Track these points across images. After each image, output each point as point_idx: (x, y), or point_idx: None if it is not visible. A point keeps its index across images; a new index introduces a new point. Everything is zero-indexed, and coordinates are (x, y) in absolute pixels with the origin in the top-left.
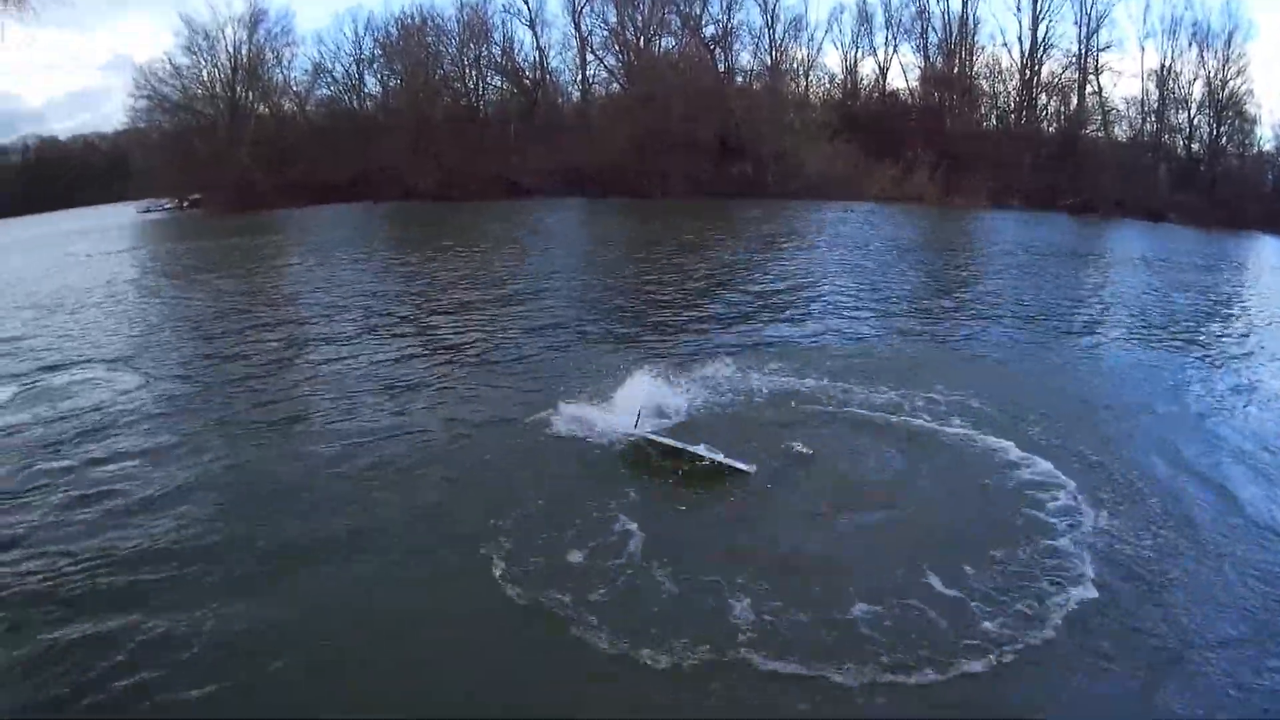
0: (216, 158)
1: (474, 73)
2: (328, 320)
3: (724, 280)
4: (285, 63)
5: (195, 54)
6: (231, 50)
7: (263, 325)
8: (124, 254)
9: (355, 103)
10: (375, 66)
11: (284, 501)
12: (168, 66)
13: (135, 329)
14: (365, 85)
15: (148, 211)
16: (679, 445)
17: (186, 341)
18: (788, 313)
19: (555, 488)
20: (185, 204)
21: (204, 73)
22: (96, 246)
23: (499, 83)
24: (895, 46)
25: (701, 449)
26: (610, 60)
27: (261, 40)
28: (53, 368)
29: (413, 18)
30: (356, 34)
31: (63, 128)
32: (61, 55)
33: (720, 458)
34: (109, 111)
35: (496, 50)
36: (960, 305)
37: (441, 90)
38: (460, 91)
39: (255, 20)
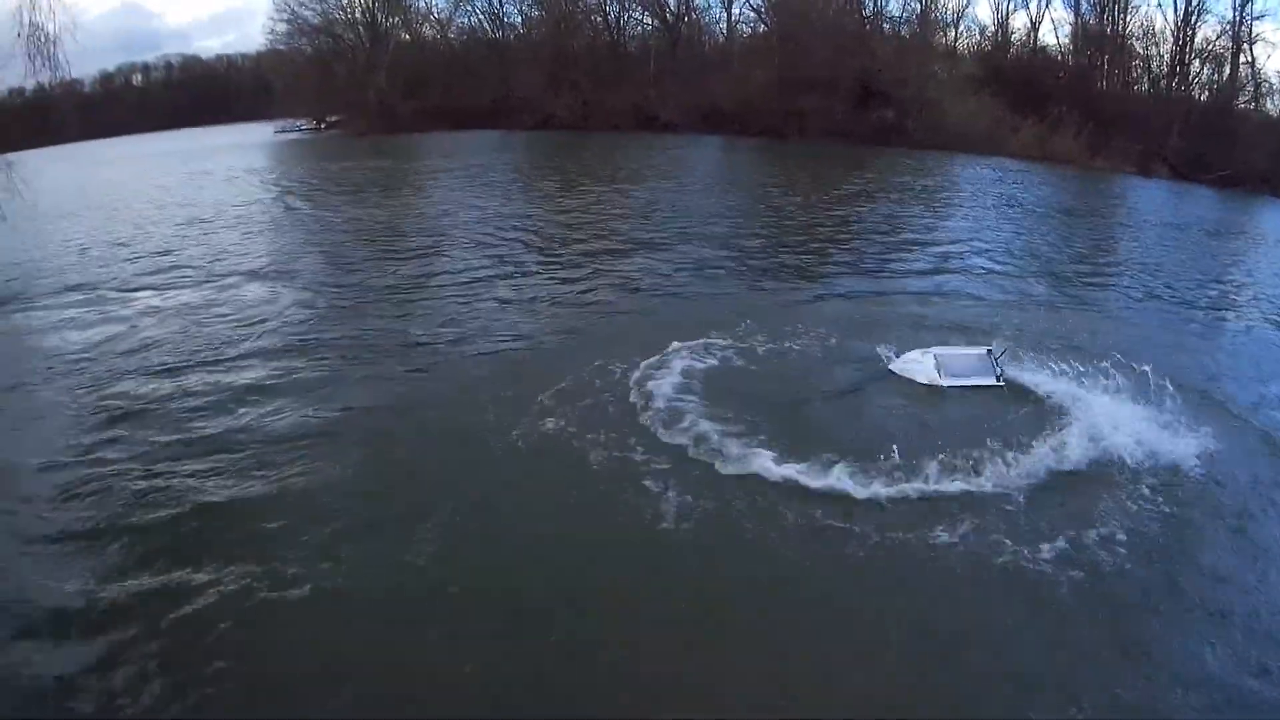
0: (356, 81)
1: (616, 5)
2: (462, 247)
3: (874, 229)
4: None
5: None
6: None
7: (397, 252)
8: (261, 173)
9: (496, 32)
10: None
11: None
12: None
13: (274, 248)
14: (506, 14)
15: (284, 131)
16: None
17: (323, 263)
18: (925, 265)
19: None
20: (323, 125)
21: None
22: (238, 163)
23: (641, 16)
24: (1048, 1)
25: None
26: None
27: None
28: (192, 281)
29: None
30: None
31: (204, 47)
32: None
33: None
34: (251, 32)
35: None
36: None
37: (582, 22)
38: (601, 25)
39: None
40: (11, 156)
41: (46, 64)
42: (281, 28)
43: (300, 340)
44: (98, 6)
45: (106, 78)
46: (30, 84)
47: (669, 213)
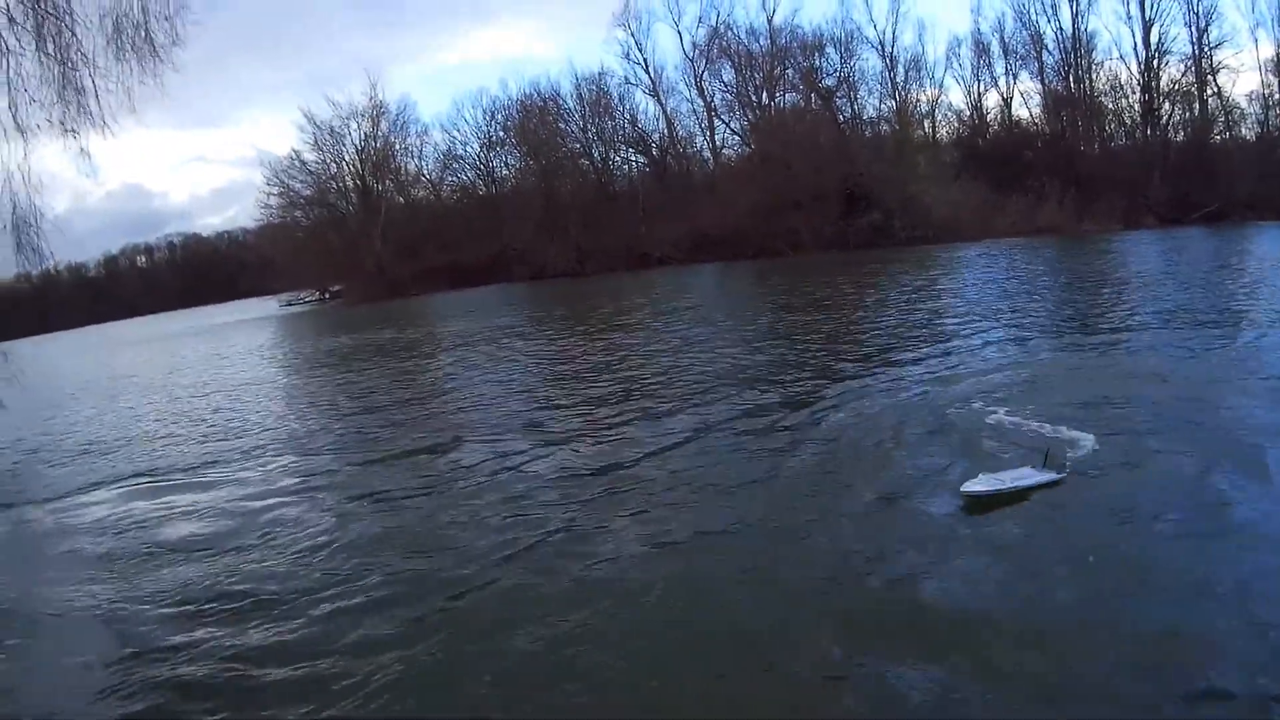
0: (352, 248)
1: (600, 147)
2: (483, 410)
3: (873, 326)
4: (415, 153)
5: (322, 149)
6: (359, 144)
7: (408, 422)
8: (269, 348)
9: (486, 186)
10: (503, 149)
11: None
12: (297, 163)
13: (284, 430)
14: (494, 168)
15: (289, 305)
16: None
17: (340, 436)
18: (925, 349)
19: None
20: (327, 295)
21: (333, 167)
22: (245, 341)
23: (628, 154)
24: (1015, 75)
25: (1027, 477)
26: (735, 123)
27: (387, 132)
28: (183, 470)
29: (532, 98)
30: (479, 119)
31: (206, 224)
32: (203, 152)
33: (1040, 478)
34: (250, 207)
35: (622, 122)
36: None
37: (569, 167)
38: (587, 168)
39: (378, 114)
40: (6, 345)
41: (33, 254)
42: (275, 200)
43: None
44: (100, 189)
45: (110, 260)
46: (33, 271)
47: (683, 351)
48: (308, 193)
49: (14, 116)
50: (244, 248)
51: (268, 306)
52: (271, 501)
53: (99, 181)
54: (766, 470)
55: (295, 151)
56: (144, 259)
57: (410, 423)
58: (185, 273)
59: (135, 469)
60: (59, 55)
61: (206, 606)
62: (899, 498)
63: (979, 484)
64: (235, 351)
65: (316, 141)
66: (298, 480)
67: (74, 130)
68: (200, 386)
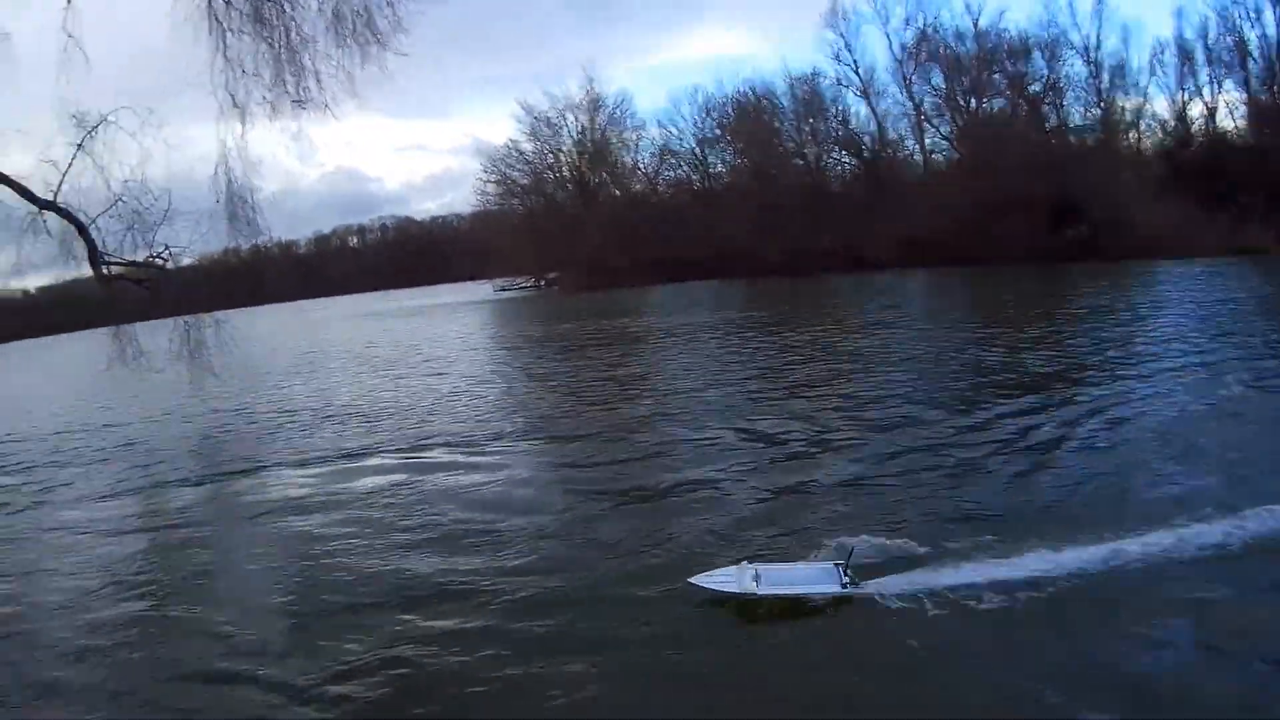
0: (569, 238)
1: (813, 147)
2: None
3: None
4: (631, 147)
5: (539, 140)
6: (575, 136)
7: (623, 407)
8: (488, 331)
9: (701, 182)
10: (718, 146)
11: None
12: (514, 152)
13: (506, 411)
14: (709, 164)
15: (504, 290)
16: None
17: (564, 421)
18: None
19: None
20: (542, 283)
21: (549, 157)
22: (467, 322)
23: (840, 155)
24: (1219, 83)
25: None
26: (944, 127)
27: (604, 125)
28: (401, 449)
29: (746, 96)
30: (695, 115)
31: (421, 209)
32: (421, 141)
33: None
34: (466, 193)
35: (834, 123)
36: None
37: (783, 166)
38: (801, 167)
39: (595, 107)
40: (228, 313)
41: (247, 227)
42: (492, 189)
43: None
44: (316, 170)
45: (321, 238)
46: (244, 245)
47: (908, 362)
48: (525, 181)
49: (231, 96)
50: (457, 232)
51: (482, 291)
52: (481, 481)
53: (316, 163)
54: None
55: (513, 141)
56: (355, 239)
57: (623, 412)
58: (396, 254)
59: (361, 444)
60: (278, 37)
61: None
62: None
63: None
64: (454, 332)
65: (534, 132)
66: (514, 462)
67: (297, 108)
68: (421, 365)
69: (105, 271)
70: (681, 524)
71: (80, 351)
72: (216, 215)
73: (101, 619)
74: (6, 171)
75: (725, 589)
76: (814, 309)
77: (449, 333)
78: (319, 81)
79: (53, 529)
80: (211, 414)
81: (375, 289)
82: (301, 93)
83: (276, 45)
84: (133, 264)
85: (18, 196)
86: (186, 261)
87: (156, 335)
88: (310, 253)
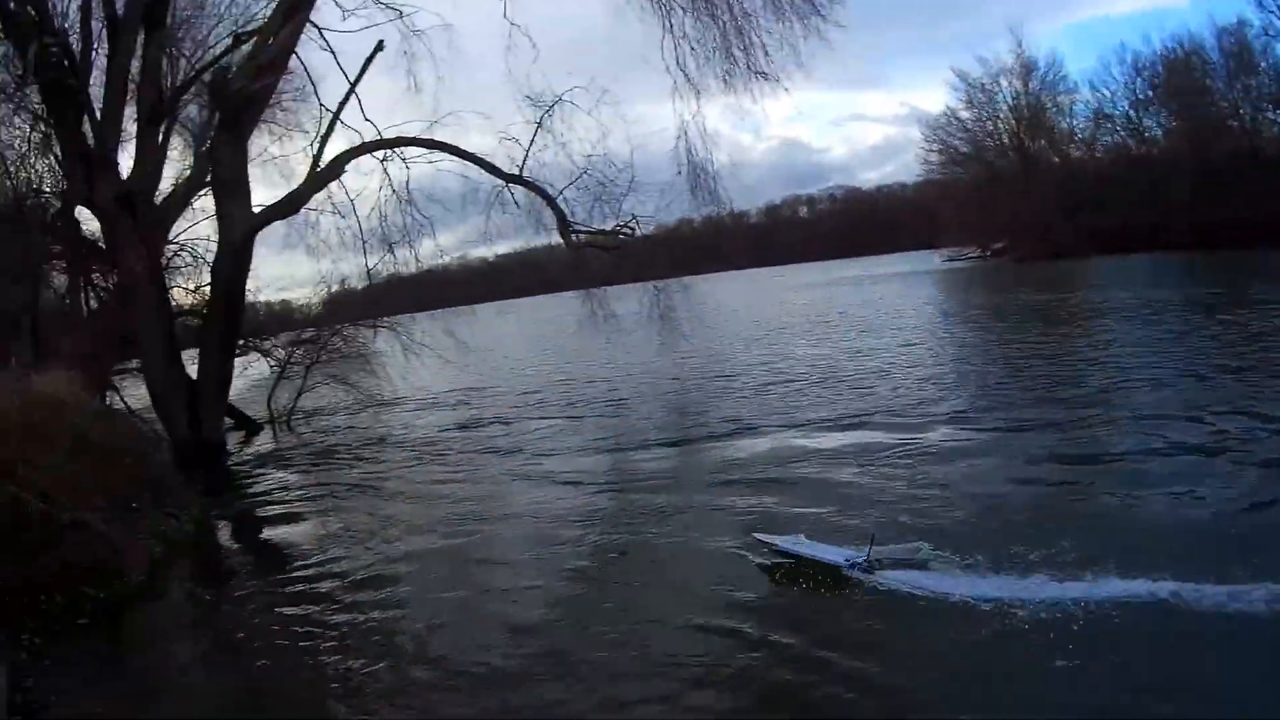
0: (1012, 207)
1: (1247, 106)
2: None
3: None
4: (1065, 111)
5: (975, 107)
6: (1010, 101)
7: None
8: (944, 302)
9: (1138, 146)
10: (1152, 108)
11: None
12: (953, 120)
13: (955, 389)
14: (1144, 127)
15: (950, 260)
16: None
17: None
18: None
19: None
20: (988, 253)
21: (988, 124)
22: (920, 292)
23: (1276, 113)
24: None
25: None
26: None
27: (1037, 89)
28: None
29: (1175, 52)
30: (1125, 75)
31: (865, 179)
32: (860, 110)
33: None
34: (908, 162)
35: (1265, 78)
36: None
37: (1219, 127)
38: (1237, 129)
39: (1026, 71)
40: (687, 279)
41: (709, 197)
42: (934, 157)
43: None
44: (762, 144)
45: (772, 209)
46: (705, 215)
47: None
48: (965, 150)
49: (684, 72)
50: (902, 202)
51: (929, 261)
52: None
53: (763, 135)
54: None
55: (950, 109)
56: (805, 209)
57: (1084, 398)
58: (843, 224)
59: (825, 413)
60: (721, 13)
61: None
62: None
63: None
64: (902, 303)
65: (970, 99)
66: (962, 436)
67: (749, 81)
68: (874, 334)
69: (575, 239)
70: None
71: (548, 314)
72: (676, 186)
73: (565, 570)
74: (474, 150)
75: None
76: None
77: (897, 303)
78: (766, 54)
79: (534, 477)
80: (685, 376)
81: (823, 258)
82: (751, 66)
83: (720, 21)
84: (600, 232)
85: (484, 172)
86: (642, 231)
87: (624, 299)
88: (761, 223)
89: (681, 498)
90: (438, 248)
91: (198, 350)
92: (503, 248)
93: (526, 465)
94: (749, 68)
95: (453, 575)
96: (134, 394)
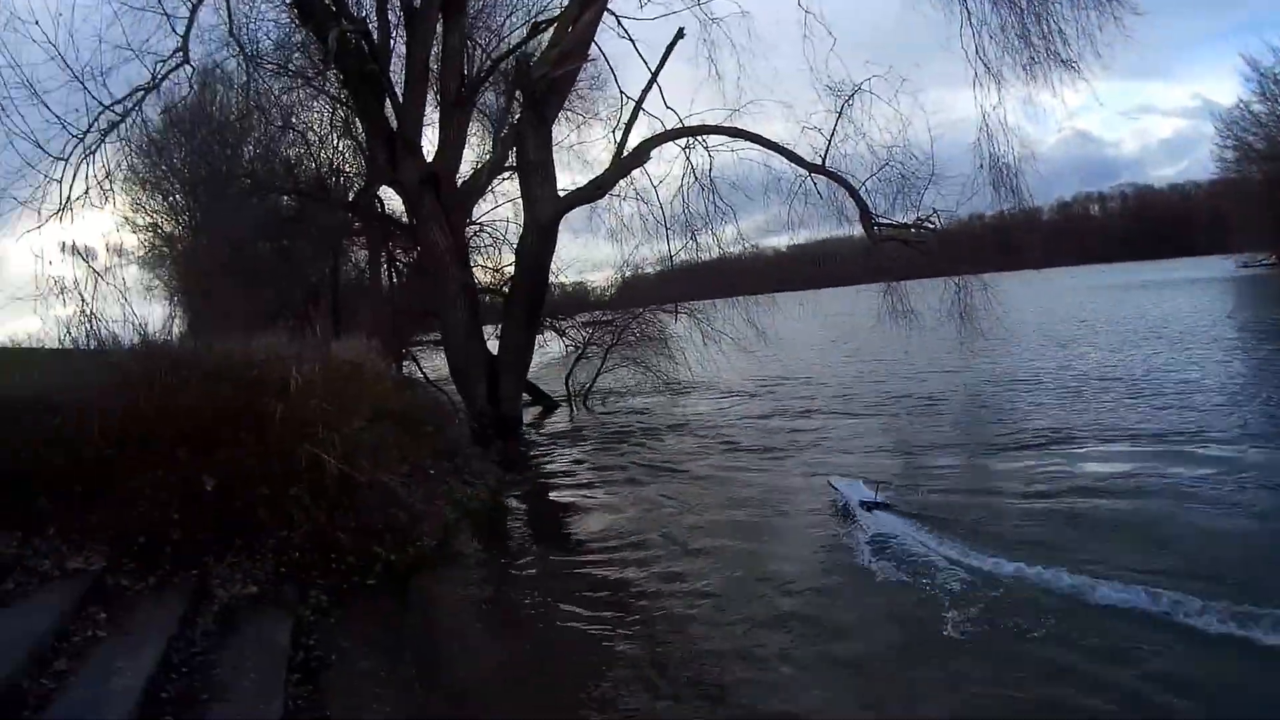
0: None
1: None
2: None
3: None
4: None
5: (1270, 100)
6: None
7: None
8: (1246, 312)
9: None
10: None
11: None
12: (1246, 114)
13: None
14: None
15: (1245, 266)
16: None
17: None
18: None
19: None
20: None
21: None
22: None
23: None
24: None
25: None
26: None
27: None
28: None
29: None
30: None
31: (1159, 175)
32: (1149, 101)
33: None
34: (1201, 158)
35: None
36: None
37: None
38: None
39: None
40: (987, 276)
41: (1010, 194)
42: (1229, 154)
43: None
44: (1052, 137)
45: (1064, 206)
46: (989, 211)
47: None
48: (1260, 146)
49: (983, 61)
50: (1195, 203)
51: (1222, 267)
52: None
53: (1053, 128)
54: None
55: (1243, 102)
56: (1096, 207)
57: None
58: (1134, 224)
59: (1125, 427)
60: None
61: None
62: None
63: None
64: (1204, 313)
65: (1263, 90)
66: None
67: (1049, 71)
68: (1165, 345)
69: (876, 232)
70: None
71: (844, 306)
72: (975, 180)
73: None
74: (774, 139)
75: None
76: None
77: (1192, 311)
78: (1065, 42)
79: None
80: (984, 378)
81: (1113, 260)
82: (1051, 54)
83: (1020, 7)
84: (902, 226)
85: (785, 161)
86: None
87: (924, 295)
88: (1052, 220)
89: (974, 515)
90: (739, 235)
91: (498, 327)
92: (788, 239)
93: (825, 461)
94: (1049, 56)
95: (746, 568)
96: (430, 365)
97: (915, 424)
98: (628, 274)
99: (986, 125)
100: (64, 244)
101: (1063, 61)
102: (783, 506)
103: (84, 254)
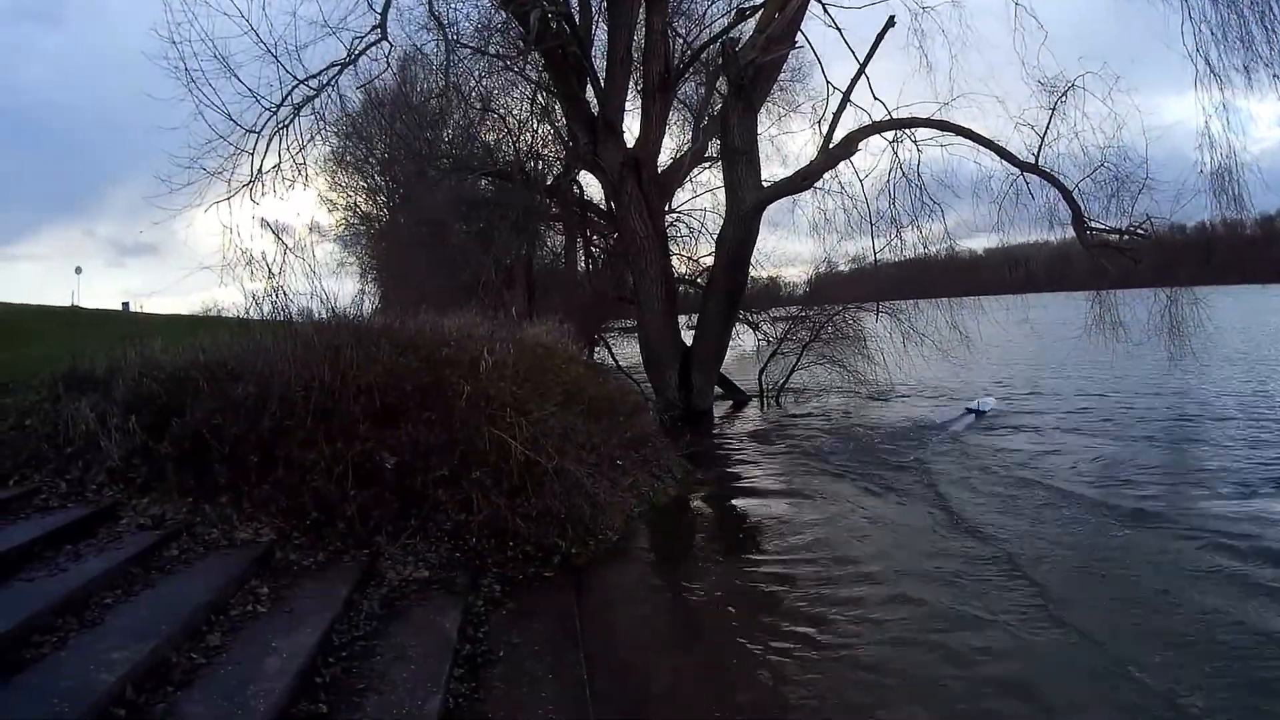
0: None
1: None
2: None
3: None
4: None
5: None
6: None
7: None
8: None
9: None
10: None
11: None
12: None
13: None
14: None
15: None
16: None
17: None
18: None
19: None
20: None
21: None
22: None
23: None
24: None
25: None
26: None
27: None
28: None
29: None
30: None
31: None
32: None
33: None
34: None
35: None
36: None
37: None
38: None
39: None
40: (1199, 290)
41: (1232, 202)
42: None
43: None
44: (1258, 146)
45: (1267, 220)
46: (1192, 222)
47: None
48: None
49: (1206, 60)
50: None
51: None
52: None
53: (1255, 135)
54: None
55: None
56: None
57: None
58: None
59: None
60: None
61: None
62: None
63: None
64: None
65: None
66: None
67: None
68: None
69: (1089, 237)
70: None
71: (1052, 315)
72: (1193, 186)
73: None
74: (985, 134)
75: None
76: None
77: None
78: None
79: (1029, 489)
80: (1188, 401)
81: None
82: (1275, 56)
83: (1241, 4)
84: (1114, 231)
85: (996, 159)
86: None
87: (1132, 306)
88: (1256, 234)
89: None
90: (946, 233)
91: (692, 317)
92: (990, 240)
93: (1028, 476)
94: (1272, 57)
95: (934, 585)
96: (622, 353)
97: (1116, 448)
98: (822, 270)
99: (1208, 127)
100: (255, 217)
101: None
102: (978, 529)
103: (274, 228)
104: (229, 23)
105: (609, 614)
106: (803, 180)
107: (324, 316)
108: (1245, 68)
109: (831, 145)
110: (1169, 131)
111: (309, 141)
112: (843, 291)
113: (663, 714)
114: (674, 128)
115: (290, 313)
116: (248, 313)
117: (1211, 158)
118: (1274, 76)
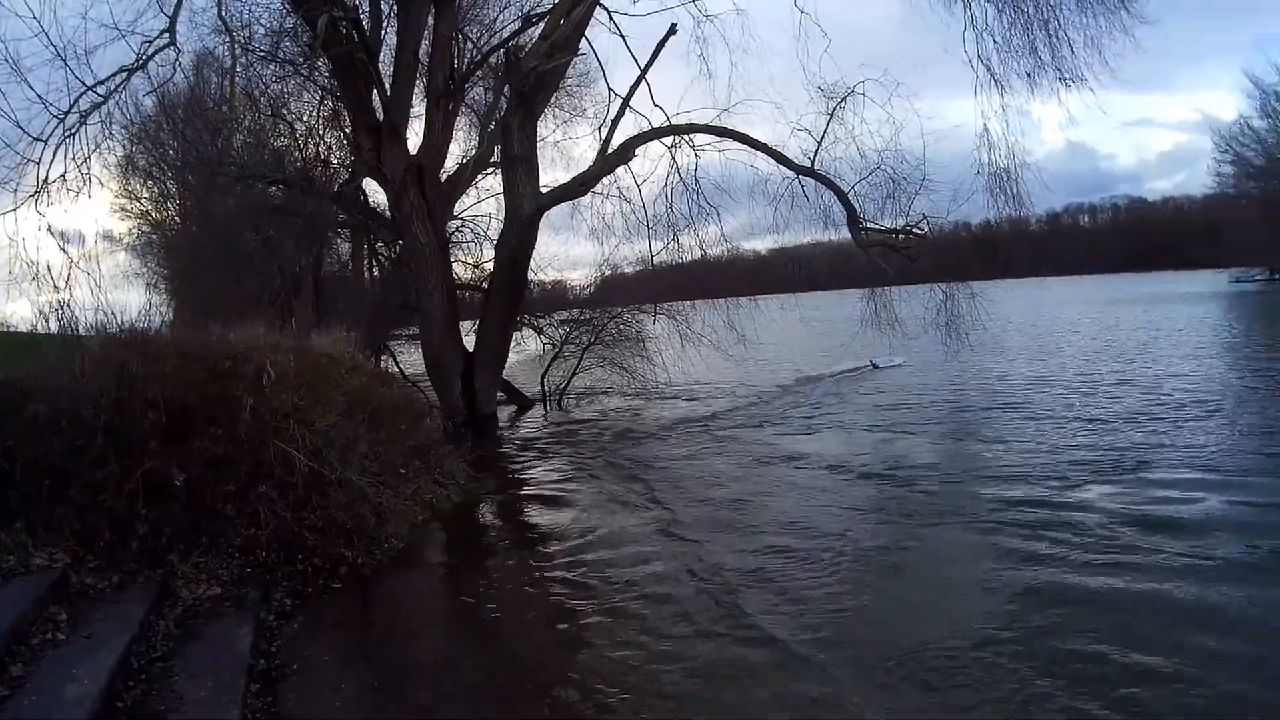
0: None
1: None
2: None
3: None
4: None
5: (1270, 116)
6: None
7: None
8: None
9: None
10: None
11: None
12: (1246, 130)
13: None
14: None
15: (1238, 282)
16: None
17: None
18: None
19: None
20: (1278, 275)
21: None
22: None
23: None
24: None
25: None
26: None
27: None
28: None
29: None
30: None
31: (1152, 188)
32: (1147, 114)
33: None
34: (1199, 173)
35: None
36: None
37: None
38: None
39: None
40: (975, 285)
41: (1010, 201)
42: (1227, 169)
43: None
44: (1043, 148)
45: (1053, 217)
46: (976, 220)
47: None
48: (1259, 163)
49: (986, 67)
50: (1189, 215)
51: (1214, 281)
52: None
53: (1043, 138)
54: None
55: (1243, 118)
56: (1086, 219)
57: None
58: (1126, 237)
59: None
60: (1026, 4)
61: None
62: None
63: None
64: (1204, 330)
65: (1263, 108)
66: None
67: (1056, 80)
68: (1159, 366)
69: (864, 236)
70: None
71: (826, 313)
72: (970, 187)
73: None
74: (763, 140)
75: None
76: None
77: (1191, 329)
78: (1073, 51)
79: (804, 474)
80: (965, 392)
81: (1101, 272)
82: (1057, 63)
83: (1026, 12)
84: (889, 231)
85: (773, 163)
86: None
87: (909, 301)
88: (1041, 230)
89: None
90: (722, 236)
91: (475, 323)
92: (770, 242)
93: (802, 466)
94: (1055, 65)
95: (722, 572)
96: (407, 360)
97: (889, 441)
98: (607, 273)
99: (987, 131)
100: (41, 226)
101: (1068, 74)
102: (754, 500)
103: (60, 239)
104: (21, 25)
105: (397, 621)
106: (580, 186)
107: (112, 330)
108: (1029, 74)
109: (609, 151)
110: (954, 133)
111: (95, 150)
112: (629, 295)
113: (453, 711)
114: (461, 134)
115: (78, 327)
116: (35, 328)
117: (991, 159)
118: (1059, 80)
